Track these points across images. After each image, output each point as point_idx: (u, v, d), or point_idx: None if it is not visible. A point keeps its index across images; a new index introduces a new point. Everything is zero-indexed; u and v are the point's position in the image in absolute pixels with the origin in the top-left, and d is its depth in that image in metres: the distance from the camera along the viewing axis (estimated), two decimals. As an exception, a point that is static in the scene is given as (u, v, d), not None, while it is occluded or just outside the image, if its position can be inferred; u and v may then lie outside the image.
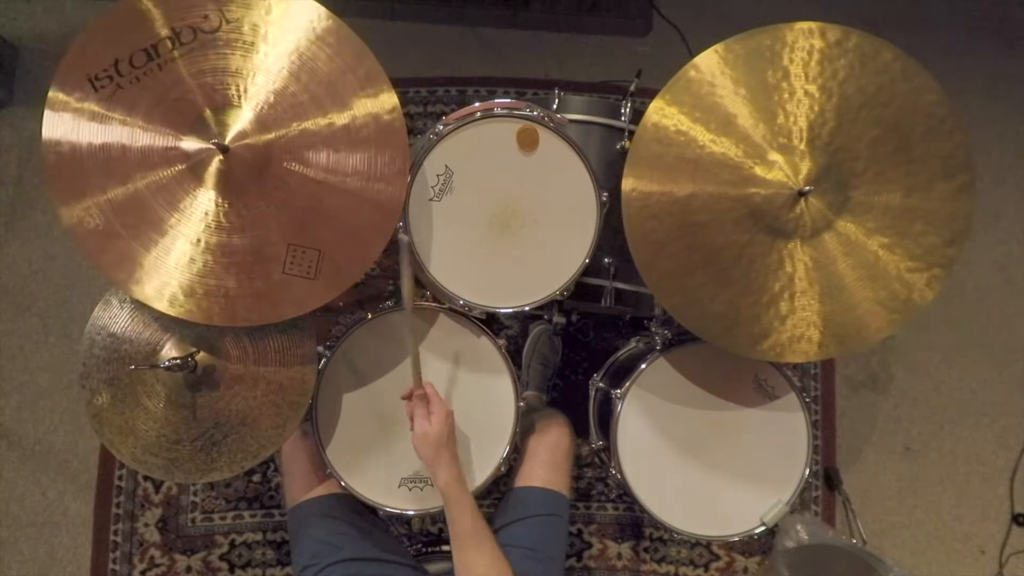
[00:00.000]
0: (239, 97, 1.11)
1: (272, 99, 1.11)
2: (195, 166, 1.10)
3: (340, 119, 1.12)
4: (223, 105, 1.10)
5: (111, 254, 1.10)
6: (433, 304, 1.35)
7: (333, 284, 1.15)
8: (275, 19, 1.11)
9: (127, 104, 1.09)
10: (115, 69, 1.08)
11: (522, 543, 1.30)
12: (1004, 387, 2.15)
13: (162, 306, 1.11)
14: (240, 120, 1.11)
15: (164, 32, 1.09)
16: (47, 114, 1.08)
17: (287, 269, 1.13)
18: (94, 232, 1.09)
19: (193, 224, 1.11)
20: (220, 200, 1.11)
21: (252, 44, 1.11)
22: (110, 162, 1.09)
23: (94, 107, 1.08)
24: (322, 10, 1.12)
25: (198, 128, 1.10)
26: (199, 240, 1.11)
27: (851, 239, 1.18)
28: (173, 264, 1.11)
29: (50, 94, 1.08)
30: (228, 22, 1.10)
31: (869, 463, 2.10)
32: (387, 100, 1.14)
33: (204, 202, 1.11)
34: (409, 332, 1.22)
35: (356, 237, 1.15)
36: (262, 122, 1.11)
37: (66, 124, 1.08)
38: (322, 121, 1.12)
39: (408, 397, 1.25)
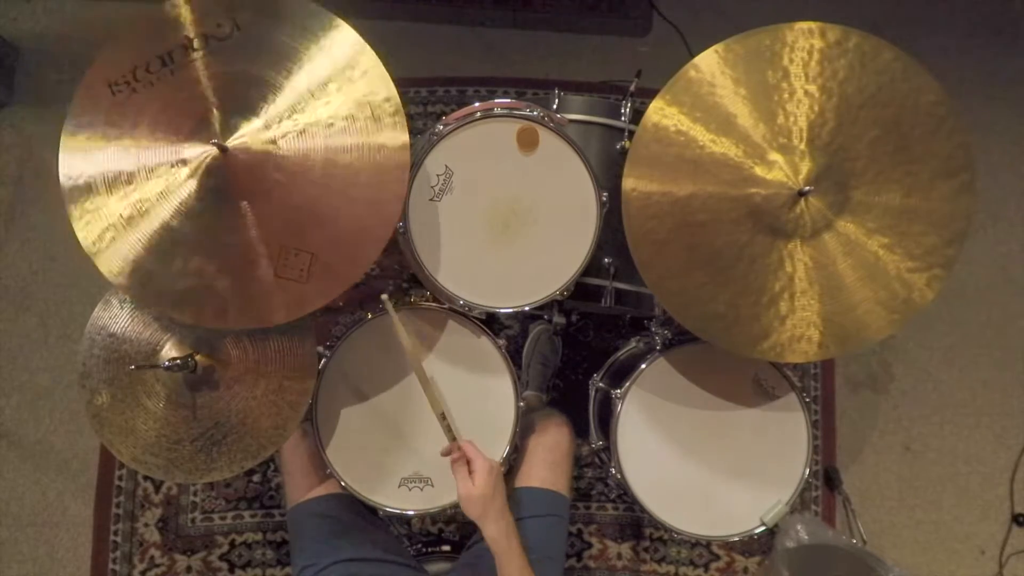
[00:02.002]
0: (258, 106, 1.12)
1: (286, 112, 1.11)
2: (193, 166, 1.10)
3: (340, 120, 1.12)
4: (232, 110, 1.11)
5: (108, 252, 1.10)
6: (433, 304, 1.35)
7: (326, 288, 1.13)
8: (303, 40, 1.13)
9: (137, 107, 1.10)
10: (132, 75, 1.10)
11: (522, 543, 1.29)
12: (1004, 387, 2.14)
13: (157, 305, 1.11)
14: (248, 127, 1.11)
15: (180, 40, 1.10)
16: (63, 156, 1.10)
17: (279, 272, 1.12)
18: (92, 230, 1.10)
19: (188, 224, 1.11)
20: (216, 200, 1.11)
21: (264, 55, 1.12)
22: (119, 175, 1.10)
23: (104, 128, 1.10)
24: (356, 38, 1.13)
25: (201, 129, 1.10)
26: (194, 240, 1.11)
27: (851, 239, 1.18)
28: (168, 263, 1.11)
29: (64, 135, 1.11)
30: (239, 28, 1.11)
31: (869, 463, 2.10)
32: (388, 101, 1.13)
33: (199, 202, 1.11)
34: (437, 400, 1.23)
35: (352, 240, 1.13)
36: (267, 126, 1.11)
37: (79, 162, 1.10)
38: (322, 122, 1.11)
39: (447, 453, 1.22)
